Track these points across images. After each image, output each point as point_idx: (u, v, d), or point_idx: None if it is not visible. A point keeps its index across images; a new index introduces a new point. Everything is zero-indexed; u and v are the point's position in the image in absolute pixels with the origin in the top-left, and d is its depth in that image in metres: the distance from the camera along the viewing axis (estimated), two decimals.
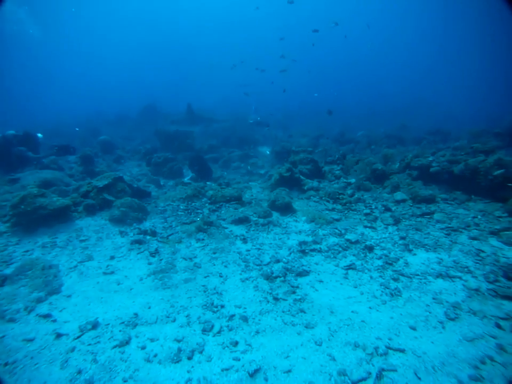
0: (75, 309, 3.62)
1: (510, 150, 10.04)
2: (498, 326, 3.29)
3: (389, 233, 5.73)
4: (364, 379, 2.67)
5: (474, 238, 5.34)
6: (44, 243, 5.13)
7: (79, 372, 2.72)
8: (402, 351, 2.99)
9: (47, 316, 3.48)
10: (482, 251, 4.88)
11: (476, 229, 5.70)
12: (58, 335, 3.16)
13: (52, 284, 4.00)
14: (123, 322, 3.39)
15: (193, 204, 7.33)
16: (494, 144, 10.21)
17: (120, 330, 3.26)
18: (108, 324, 3.35)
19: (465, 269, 4.42)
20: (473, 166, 7.49)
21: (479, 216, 6.29)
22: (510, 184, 6.76)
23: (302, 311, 3.59)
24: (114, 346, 3.04)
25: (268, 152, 14.39)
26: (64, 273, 4.34)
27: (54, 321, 3.41)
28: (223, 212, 6.76)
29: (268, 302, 3.77)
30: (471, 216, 6.33)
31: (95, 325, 3.30)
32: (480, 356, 2.90)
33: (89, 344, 3.06)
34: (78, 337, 3.16)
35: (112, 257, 4.88)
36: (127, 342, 3.09)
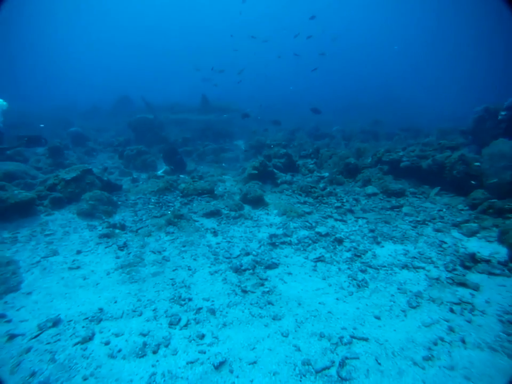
0: (35, 307, 3.46)
1: (473, 147, 10.51)
2: (452, 311, 3.49)
3: (359, 226, 5.87)
4: (328, 367, 2.73)
5: (438, 230, 5.57)
6: (3, 238, 4.89)
7: (33, 374, 2.58)
8: (366, 339, 3.08)
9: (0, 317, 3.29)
10: (445, 242, 5.10)
11: (441, 222, 5.95)
12: (12, 337, 2.99)
13: (9, 282, 3.80)
14: (87, 318, 3.29)
15: (165, 197, 7.22)
16: (459, 141, 10.63)
17: (83, 327, 3.17)
18: (71, 320, 3.24)
19: (429, 260, 4.60)
20: (440, 161, 7.77)
21: (444, 209, 6.56)
22: (473, 182, 7.08)
23: (270, 303, 3.62)
24: (76, 343, 2.94)
25: (243, 146, 14.36)
26: (25, 270, 4.15)
27: (9, 321, 3.22)
28: (194, 205, 6.69)
29: (236, 294, 3.78)
30: (436, 209, 6.59)
31: (56, 322, 3.17)
32: (434, 338, 3.07)
33: (48, 343, 2.94)
34: (36, 336, 3.02)
35: (78, 252, 4.73)
36: (90, 338, 3.01)
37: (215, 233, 5.40)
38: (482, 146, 9.01)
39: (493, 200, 6.14)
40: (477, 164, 7.36)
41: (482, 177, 7.14)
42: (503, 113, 8.67)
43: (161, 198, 7.16)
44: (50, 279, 4.01)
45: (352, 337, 3.09)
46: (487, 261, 4.43)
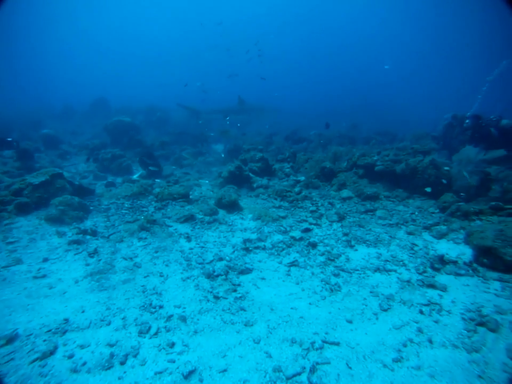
0: None
1: (443, 152, 10.90)
2: (421, 312, 3.57)
3: (333, 229, 5.93)
4: (298, 373, 2.72)
5: (410, 233, 5.70)
6: None
7: None
8: (337, 344, 3.09)
9: None
10: (416, 245, 5.23)
11: (413, 225, 6.09)
12: None
13: None
14: (50, 330, 3.13)
15: (138, 201, 7.04)
16: (431, 146, 10.98)
17: (44, 340, 3.00)
18: (30, 334, 3.06)
19: (401, 262, 4.69)
20: (412, 165, 7.99)
21: (416, 213, 6.73)
22: (444, 181, 7.33)
23: (242, 309, 3.58)
24: (34, 360, 2.75)
25: (221, 150, 14.29)
26: None
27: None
28: (169, 210, 6.56)
29: (208, 301, 3.71)
30: (409, 212, 6.76)
31: (11, 339, 2.95)
32: (403, 340, 3.13)
33: None
34: None
35: (45, 260, 4.53)
36: (51, 353, 2.85)
37: (188, 239, 5.31)
38: (452, 152, 9.36)
39: (460, 203, 6.37)
40: (447, 168, 7.63)
41: (451, 181, 7.41)
42: (467, 121, 9.06)
43: (135, 202, 6.99)
44: (11, 290, 3.80)
45: (324, 342, 3.10)
46: (454, 262, 4.59)
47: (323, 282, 4.17)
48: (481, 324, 3.31)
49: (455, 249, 5.05)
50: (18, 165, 9.83)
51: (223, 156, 12.89)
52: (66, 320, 3.30)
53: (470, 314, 3.47)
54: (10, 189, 6.43)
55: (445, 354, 2.94)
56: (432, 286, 4.05)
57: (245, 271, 4.37)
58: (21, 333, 3.08)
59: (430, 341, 3.10)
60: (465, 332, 3.23)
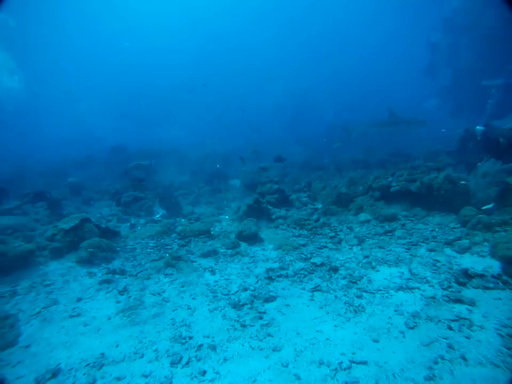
0: (33, 360, 3.44)
1: (460, 166, 10.84)
2: (450, 328, 3.52)
3: (353, 253, 5.97)
4: None
5: (431, 250, 5.67)
6: (1, 293, 4.95)
7: None
8: (365, 363, 3.11)
9: None
10: (439, 261, 5.20)
11: (434, 241, 6.06)
12: None
13: (5, 337, 3.78)
14: (88, 364, 3.31)
15: (162, 240, 7.33)
16: (446, 162, 11.00)
17: (84, 374, 3.18)
18: (71, 369, 3.25)
19: (424, 280, 4.67)
20: (427, 183, 8.02)
21: (436, 229, 6.69)
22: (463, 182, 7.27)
23: (269, 335, 3.66)
24: None
25: (238, 185, 14.67)
26: (24, 322, 4.17)
27: (2, 381, 3.17)
28: (192, 246, 6.80)
29: (236, 329, 3.81)
30: (429, 229, 6.73)
31: (55, 373, 3.17)
32: (434, 357, 3.10)
33: None
34: None
35: (79, 299, 4.78)
36: None
37: (212, 272, 5.48)
38: (468, 166, 9.34)
39: (480, 216, 6.31)
40: (463, 182, 7.62)
41: (469, 194, 7.38)
42: (479, 133, 9.17)
43: (159, 241, 7.27)
44: (50, 329, 4.03)
45: (351, 361, 3.13)
46: (481, 276, 4.51)
47: (347, 305, 4.21)
48: None
49: (481, 263, 4.98)
50: (48, 213, 10.43)
51: (241, 191, 13.21)
52: (102, 354, 3.47)
53: (507, 330, 3.36)
54: (45, 235, 6.87)
55: (484, 373, 2.85)
56: (459, 301, 4.01)
57: (270, 299, 4.46)
58: (63, 367, 3.28)
59: (464, 358, 3.04)
60: (505, 349, 3.11)
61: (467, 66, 19.80)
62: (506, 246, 4.60)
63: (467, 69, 19.80)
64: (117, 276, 5.50)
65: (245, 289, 4.78)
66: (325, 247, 6.34)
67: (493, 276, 4.49)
